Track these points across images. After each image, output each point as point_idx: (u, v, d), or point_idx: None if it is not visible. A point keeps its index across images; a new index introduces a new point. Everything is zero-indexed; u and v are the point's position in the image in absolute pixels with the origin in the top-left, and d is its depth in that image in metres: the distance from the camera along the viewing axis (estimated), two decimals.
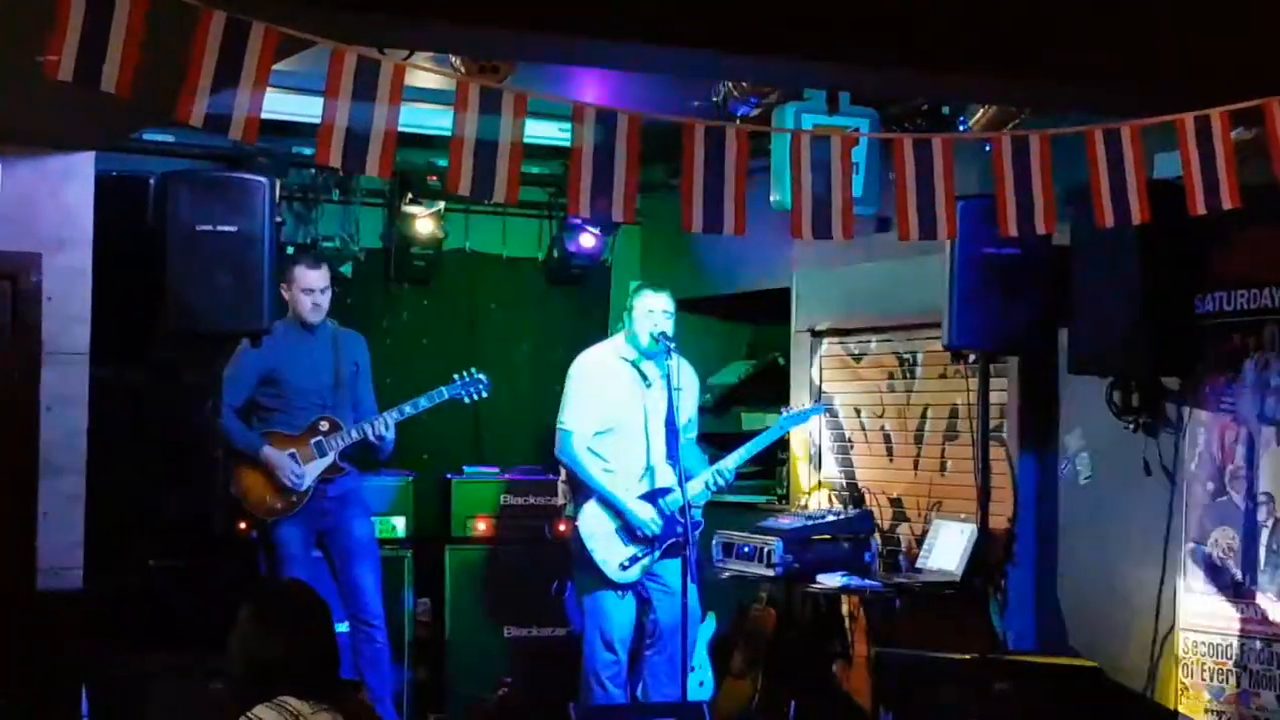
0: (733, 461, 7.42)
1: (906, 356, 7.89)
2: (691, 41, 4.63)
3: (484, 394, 7.76)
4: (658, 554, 7.22)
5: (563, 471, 7.68)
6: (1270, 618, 6.17)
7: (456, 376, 7.72)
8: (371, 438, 7.46)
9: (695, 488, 7.23)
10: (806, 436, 8.31)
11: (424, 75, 4.63)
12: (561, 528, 8.08)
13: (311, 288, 7.47)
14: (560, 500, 8.15)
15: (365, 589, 7.44)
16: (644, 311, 7.24)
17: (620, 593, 7.25)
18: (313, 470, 7.38)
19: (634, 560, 7.21)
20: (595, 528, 7.24)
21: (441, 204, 8.69)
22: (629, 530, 7.22)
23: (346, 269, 8.72)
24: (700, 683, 7.60)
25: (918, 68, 4.98)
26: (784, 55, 4.82)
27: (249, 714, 3.81)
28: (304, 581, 5.09)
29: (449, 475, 8.52)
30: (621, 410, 7.30)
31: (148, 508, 7.69)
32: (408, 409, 7.54)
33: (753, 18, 4.60)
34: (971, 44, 4.87)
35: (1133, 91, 5.04)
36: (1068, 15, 4.88)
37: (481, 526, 8.47)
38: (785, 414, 7.70)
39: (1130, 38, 4.91)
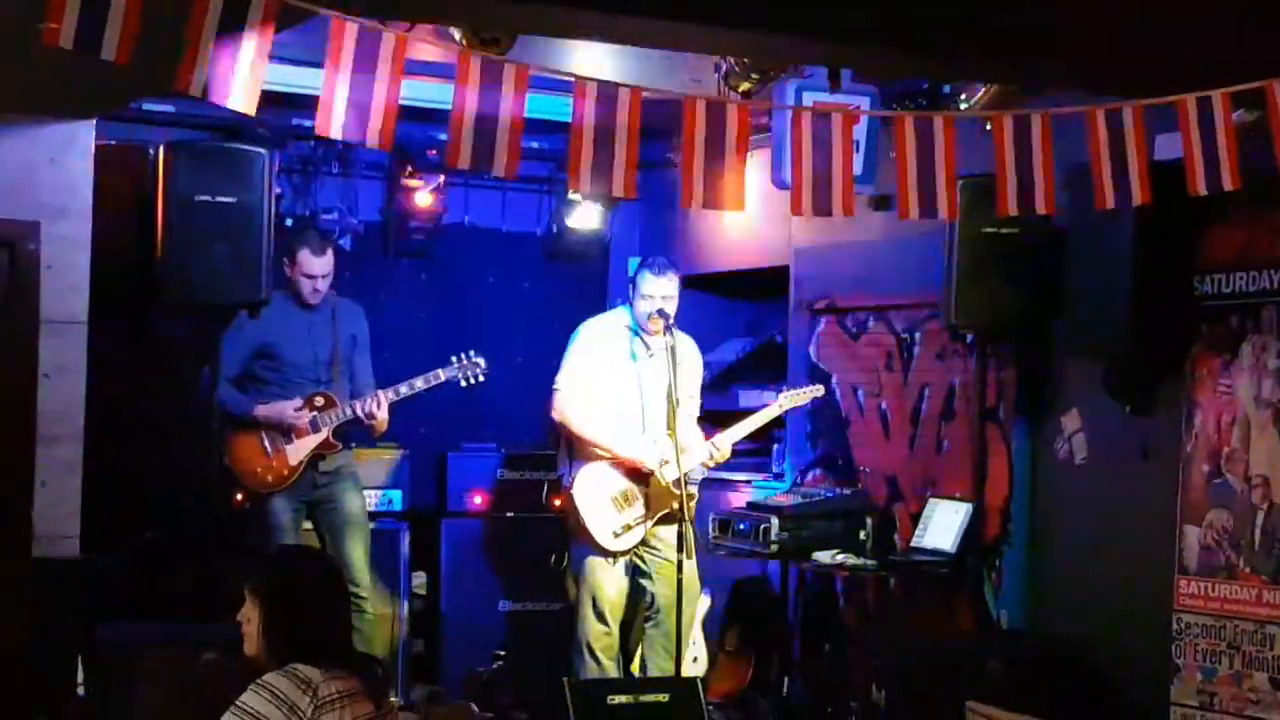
0: (729, 439, 7.41)
1: (905, 336, 7.88)
2: (698, 17, 4.62)
3: (481, 378, 7.61)
4: (651, 523, 7.20)
5: (561, 440, 7.60)
6: (1263, 600, 6.18)
7: (454, 359, 7.59)
8: (365, 416, 7.40)
9: (692, 461, 7.22)
10: (804, 414, 8.30)
11: (425, 48, 4.62)
12: (558, 502, 8.08)
13: (314, 274, 7.42)
14: (557, 473, 8.13)
15: (355, 561, 7.43)
16: (644, 293, 7.20)
17: (612, 560, 7.24)
18: (307, 445, 7.37)
19: (627, 529, 7.20)
20: (590, 492, 7.21)
21: (441, 177, 8.66)
22: (623, 498, 7.20)
23: (345, 242, 8.70)
24: (695, 659, 7.60)
25: (916, 47, 4.97)
26: (784, 31, 4.81)
27: (260, 680, 3.79)
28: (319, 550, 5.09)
29: (446, 451, 8.51)
30: (617, 377, 7.26)
31: (144, 477, 7.70)
32: (404, 389, 7.47)
33: None
34: (972, 24, 4.87)
35: (1133, 72, 5.03)
36: None
37: (478, 500, 8.47)
38: (785, 395, 7.66)
39: (1130, 19, 4.90)
